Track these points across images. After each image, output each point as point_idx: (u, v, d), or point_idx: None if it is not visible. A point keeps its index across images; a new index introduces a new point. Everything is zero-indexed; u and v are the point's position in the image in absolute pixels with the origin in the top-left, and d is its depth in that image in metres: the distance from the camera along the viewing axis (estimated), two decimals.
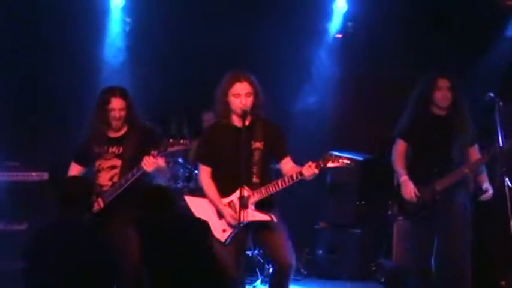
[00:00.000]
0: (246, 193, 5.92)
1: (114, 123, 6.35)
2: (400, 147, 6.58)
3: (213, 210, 6.00)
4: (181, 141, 6.09)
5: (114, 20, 9.00)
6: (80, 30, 8.51)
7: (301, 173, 5.82)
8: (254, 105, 6.06)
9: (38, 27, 8.47)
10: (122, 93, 6.39)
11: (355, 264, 8.55)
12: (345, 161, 5.81)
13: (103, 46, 8.94)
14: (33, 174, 7.66)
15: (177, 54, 8.86)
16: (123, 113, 6.34)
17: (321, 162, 5.80)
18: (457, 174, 6.37)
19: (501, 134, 6.03)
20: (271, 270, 6.50)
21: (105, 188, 6.32)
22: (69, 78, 8.47)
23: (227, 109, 6.08)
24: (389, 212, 8.00)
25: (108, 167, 6.37)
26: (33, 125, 8.55)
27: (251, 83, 6.07)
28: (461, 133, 6.42)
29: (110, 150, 6.37)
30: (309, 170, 5.80)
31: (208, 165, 6.09)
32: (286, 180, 5.88)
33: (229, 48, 8.61)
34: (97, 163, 6.41)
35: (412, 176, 6.42)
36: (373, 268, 8.44)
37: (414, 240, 6.69)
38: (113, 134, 6.41)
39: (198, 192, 6.37)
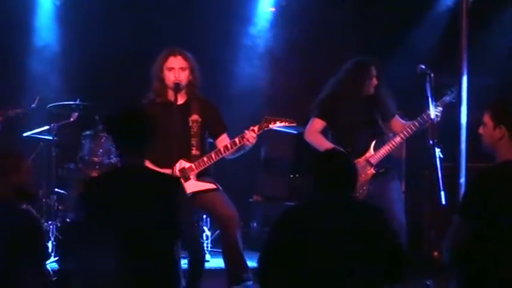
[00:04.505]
0: (186, 165, 5.95)
1: None
2: (318, 126, 6.60)
3: None
4: None
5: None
6: None
7: (243, 137, 5.86)
8: (190, 82, 6.08)
9: None
10: None
11: None
12: (286, 122, 5.90)
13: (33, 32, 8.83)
14: None
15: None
16: None
17: (263, 125, 5.87)
18: (389, 146, 6.49)
19: (432, 105, 6.12)
20: (217, 231, 6.52)
21: None
22: None
23: (162, 85, 6.08)
24: None
25: None
26: None
27: (186, 58, 6.09)
28: (384, 108, 6.59)
29: None
30: (252, 133, 5.85)
31: None
32: (229, 146, 5.92)
33: (161, 31, 8.53)
34: None
35: None
36: None
37: None
38: None
39: None
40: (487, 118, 4.33)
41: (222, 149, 6.01)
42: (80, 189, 4.85)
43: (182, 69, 6.08)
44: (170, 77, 6.05)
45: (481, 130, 4.38)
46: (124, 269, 4.21)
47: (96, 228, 4.30)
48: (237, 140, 5.94)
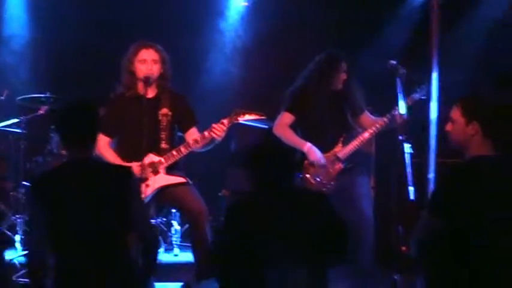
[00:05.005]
0: (156, 159, 5.94)
1: None
2: (287, 120, 6.60)
3: None
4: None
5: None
6: None
7: (212, 130, 5.89)
8: (161, 75, 6.06)
9: None
10: None
11: None
12: (256, 115, 5.90)
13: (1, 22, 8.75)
14: None
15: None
16: None
17: (233, 118, 5.87)
18: (357, 141, 6.51)
19: (402, 101, 6.13)
20: (187, 226, 6.50)
21: None
22: None
23: (133, 79, 6.04)
24: None
25: None
26: None
27: (157, 50, 6.06)
28: (353, 103, 6.59)
29: None
30: (221, 126, 5.85)
31: (106, 134, 6.05)
32: (199, 139, 5.91)
33: (131, 24, 8.48)
34: None
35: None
36: None
37: None
38: None
39: None
40: (457, 115, 4.30)
41: (191, 142, 5.99)
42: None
43: (154, 61, 6.05)
44: (142, 70, 6.01)
45: (449, 127, 4.35)
46: (78, 261, 4.20)
47: (47, 224, 4.27)
48: (206, 133, 5.93)
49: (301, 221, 4.25)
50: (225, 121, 5.94)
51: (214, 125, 5.91)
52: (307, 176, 6.52)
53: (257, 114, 6.03)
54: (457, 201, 4.10)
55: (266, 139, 7.15)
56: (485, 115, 4.23)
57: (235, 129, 7.09)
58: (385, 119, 6.44)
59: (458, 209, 4.10)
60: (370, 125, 6.56)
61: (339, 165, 6.51)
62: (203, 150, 6.10)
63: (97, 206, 4.25)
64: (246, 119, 6.01)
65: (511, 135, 4.27)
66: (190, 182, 6.11)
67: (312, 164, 6.49)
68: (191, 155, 6.17)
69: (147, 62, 6.03)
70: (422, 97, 6.45)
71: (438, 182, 4.38)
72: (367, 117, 6.68)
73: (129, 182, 4.40)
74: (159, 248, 6.70)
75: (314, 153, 6.45)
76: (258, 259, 4.20)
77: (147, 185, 5.94)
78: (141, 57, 6.04)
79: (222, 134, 5.92)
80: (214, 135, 5.89)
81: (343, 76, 6.56)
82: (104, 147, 6.03)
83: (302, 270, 4.21)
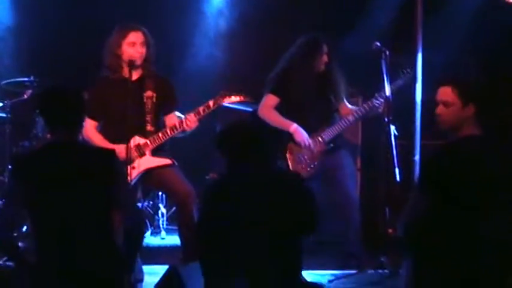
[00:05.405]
0: (141, 141, 5.94)
1: None
2: (271, 101, 6.62)
3: None
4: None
5: None
6: None
7: (198, 112, 5.92)
8: (146, 58, 6.04)
9: None
10: None
11: None
12: (241, 97, 5.91)
13: None
14: None
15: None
16: None
17: (218, 100, 5.89)
18: (342, 123, 6.53)
19: (387, 83, 6.14)
20: (173, 209, 6.52)
21: None
22: None
23: (119, 61, 6.01)
24: None
25: None
26: None
27: (144, 33, 6.06)
28: (335, 88, 6.62)
29: None
30: (206, 108, 5.92)
31: (92, 118, 6.03)
32: (185, 121, 5.91)
33: (115, 8, 8.43)
34: None
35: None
36: None
37: None
38: None
39: None
40: (452, 97, 4.29)
41: (177, 124, 5.98)
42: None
43: (142, 44, 6.04)
44: (130, 53, 5.99)
45: (440, 110, 4.33)
46: (60, 243, 4.20)
47: (28, 206, 4.28)
48: (178, 123, 5.97)
49: (272, 200, 4.31)
50: (211, 103, 5.96)
51: (187, 116, 5.93)
52: (292, 156, 6.54)
53: (243, 96, 6.04)
54: (447, 178, 4.12)
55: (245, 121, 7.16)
56: (482, 97, 4.26)
57: (221, 112, 7.09)
58: (370, 104, 6.45)
59: (448, 187, 4.12)
60: (347, 114, 6.58)
61: (323, 147, 6.53)
62: (179, 136, 6.11)
63: (80, 187, 4.24)
64: (231, 101, 6.03)
65: (502, 116, 4.30)
66: (176, 163, 6.11)
67: (297, 145, 6.50)
68: (177, 138, 6.16)
69: (136, 45, 6.01)
70: (406, 83, 6.47)
71: (428, 161, 4.36)
72: (345, 106, 6.71)
73: (113, 163, 4.40)
74: (144, 230, 6.73)
75: (300, 133, 6.47)
76: (232, 238, 4.29)
77: (133, 168, 5.95)
78: (129, 40, 6.02)
79: (194, 126, 5.94)
80: (186, 127, 5.91)
81: (325, 58, 6.57)
82: (91, 131, 6.02)
83: (275, 245, 4.28)
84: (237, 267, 4.29)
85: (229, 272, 4.30)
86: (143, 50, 6.02)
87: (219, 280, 4.33)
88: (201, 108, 5.97)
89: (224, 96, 5.99)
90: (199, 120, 5.97)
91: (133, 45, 6.00)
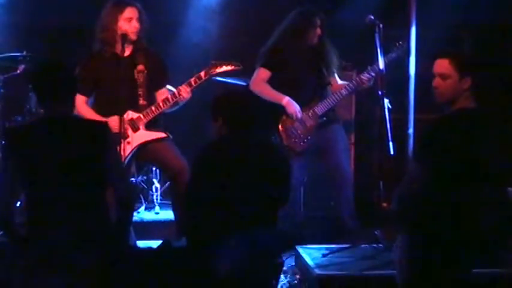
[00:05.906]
0: (135, 115, 5.94)
1: None
2: (263, 75, 6.60)
3: None
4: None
5: None
6: None
7: (189, 83, 5.94)
8: (139, 34, 6.04)
9: None
10: None
11: None
12: (232, 65, 5.92)
13: None
14: None
15: None
16: None
17: (209, 70, 5.90)
18: (334, 97, 6.52)
19: (381, 56, 6.12)
20: (167, 184, 6.53)
21: None
22: None
23: (113, 36, 6.00)
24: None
25: None
26: None
27: (139, 9, 6.06)
28: (327, 61, 6.61)
29: None
30: (197, 78, 5.95)
31: (82, 93, 6.00)
32: (177, 92, 5.92)
33: None
34: None
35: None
36: None
37: None
38: None
39: None
40: (449, 70, 4.30)
41: (170, 97, 5.98)
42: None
43: (138, 19, 6.04)
44: (125, 28, 5.99)
45: (437, 83, 4.34)
46: (53, 215, 4.21)
47: (21, 179, 4.28)
48: (170, 96, 5.97)
49: (252, 168, 4.62)
50: (202, 73, 5.97)
51: (179, 87, 5.93)
52: (285, 130, 6.53)
53: (233, 65, 6.05)
54: (443, 149, 4.15)
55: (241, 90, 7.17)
56: (478, 71, 4.28)
57: (213, 86, 7.06)
58: (363, 77, 6.44)
59: (445, 158, 4.14)
60: (337, 89, 6.57)
61: (316, 120, 6.52)
62: (169, 111, 6.11)
63: (72, 159, 4.25)
64: (223, 70, 6.02)
65: (495, 89, 4.33)
66: (171, 136, 6.12)
67: (290, 118, 6.50)
68: (170, 114, 6.15)
69: (133, 20, 6.01)
70: (399, 56, 6.45)
71: (425, 132, 4.37)
72: (335, 81, 6.69)
73: (105, 136, 4.41)
74: (136, 204, 6.72)
75: (292, 106, 6.46)
76: (219, 201, 4.57)
77: (128, 142, 5.95)
78: (126, 15, 6.02)
79: (186, 96, 5.94)
80: (179, 97, 5.92)
81: (318, 31, 6.54)
82: (81, 106, 6.00)
83: (257, 209, 4.59)
84: (223, 231, 4.50)
85: (214, 237, 4.49)
86: (138, 26, 6.02)
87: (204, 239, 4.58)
88: (192, 80, 5.99)
89: (216, 66, 6.00)
90: (192, 92, 5.97)
91: (129, 21, 6.00)
